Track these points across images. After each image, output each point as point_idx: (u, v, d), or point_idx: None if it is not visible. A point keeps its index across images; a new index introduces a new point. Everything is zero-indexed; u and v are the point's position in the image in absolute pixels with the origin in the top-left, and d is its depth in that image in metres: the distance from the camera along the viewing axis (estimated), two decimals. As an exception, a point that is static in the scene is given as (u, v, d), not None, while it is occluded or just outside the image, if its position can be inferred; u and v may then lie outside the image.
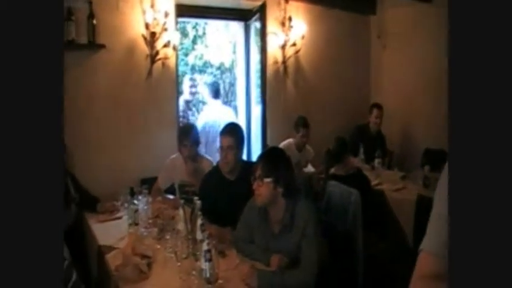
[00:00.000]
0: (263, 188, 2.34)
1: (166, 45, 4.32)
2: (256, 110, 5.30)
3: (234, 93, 6.50)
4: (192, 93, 6.43)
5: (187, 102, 6.27)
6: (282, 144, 4.65)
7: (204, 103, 6.71)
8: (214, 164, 3.37)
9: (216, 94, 5.05)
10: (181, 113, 4.97)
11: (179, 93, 4.74)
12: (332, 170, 3.81)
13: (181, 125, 4.30)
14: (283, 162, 2.44)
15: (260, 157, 2.51)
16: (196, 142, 3.63)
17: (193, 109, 6.67)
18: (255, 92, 5.30)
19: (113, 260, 2.53)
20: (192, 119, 6.36)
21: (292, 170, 2.49)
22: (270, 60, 5.12)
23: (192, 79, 6.58)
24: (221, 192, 2.94)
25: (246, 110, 5.36)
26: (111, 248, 2.72)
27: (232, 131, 3.08)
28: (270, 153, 2.60)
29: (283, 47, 5.12)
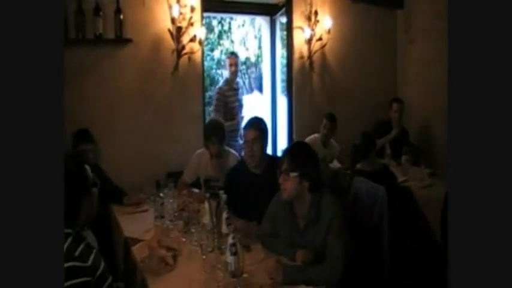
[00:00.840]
0: (289, 183, 2.32)
1: (192, 40, 4.34)
2: (282, 105, 5.27)
3: (259, 88, 6.49)
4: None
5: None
6: (307, 139, 4.62)
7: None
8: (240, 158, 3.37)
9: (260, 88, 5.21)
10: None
11: (205, 87, 4.75)
12: (358, 166, 3.77)
13: (208, 121, 4.30)
14: (309, 156, 2.42)
15: (286, 151, 2.50)
16: (223, 138, 3.63)
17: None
18: (281, 87, 5.28)
19: (139, 251, 2.56)
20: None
21: (318, 164, 2.47)
22: (295, 55, 5.08)
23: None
24: (246, 186, 2.94)
25: (271, 105, 5.34)
26: (137, 240, 2.75)
27: (256, 124, 3.08)
28: (296, 148, 2.58)
29: (309, 41, 5.08)
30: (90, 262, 1.79)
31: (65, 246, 1.75)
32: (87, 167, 1.92)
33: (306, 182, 2.31)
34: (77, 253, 1.76)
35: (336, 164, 4.60)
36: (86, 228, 1.93)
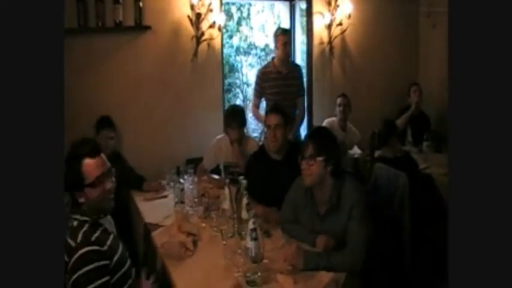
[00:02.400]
0: (314, 167, 2.29)
1: (211, 26, 4.32)
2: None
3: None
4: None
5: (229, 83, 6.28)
6: (325, 122, 4.63)
7: (248, 84, 6.71)
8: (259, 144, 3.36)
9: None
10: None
11: (224, 74, 4.73)
12: (379, 153, 3.72)
13: (228, 106, 4.28)
14: (332, 141, 2.40)
15: (309, 136, 2.47)
16: (243, 124, 3.62)
17: (237, 90, 6.68)
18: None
19: (159, 237, 2.58)
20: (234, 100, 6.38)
21: (339, 149, 2.46)
22: (315, 41, 5.02)
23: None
24: (267, 172, 2.93)
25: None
26: (157, 226, 2.77)
27: (278, 109, 3.08)
28: (319, 132, 2.55)
29: (329, 27, 5.01)
30: (106, 247, 1.80)
31: (81, 232, 1.77)
32: (95, 163, 1.86)
33: (329, 166, 2.29)
34: (93, 238, 1.77)
35: (356, 151, 4.56)
36: (102, 216, 1.92)
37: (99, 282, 1.70)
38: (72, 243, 1.73)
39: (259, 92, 4.32)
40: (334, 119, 4.68)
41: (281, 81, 4.26)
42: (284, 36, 4.25)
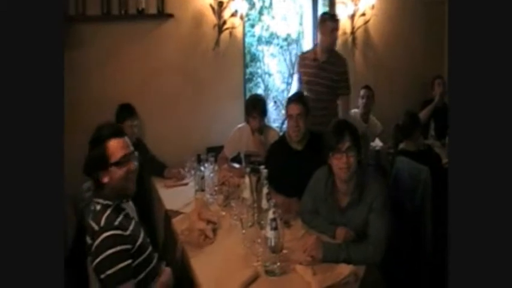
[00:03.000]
0: (352, 160, 2.25)
1: (233, 15, 4.29)
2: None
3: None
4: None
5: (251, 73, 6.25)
6: None
7: (269, 74, 6.67)
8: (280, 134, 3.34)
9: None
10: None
11: (246, 64, 4.71)
12: (401, 146, 3.67)
13: (249, 95, 4.26)
14: (357, 132, 2.37)
15: (341, 129, 2.33)
16: (264, 114, 3.61)
17: (259, 80, 6.65)
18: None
19: (179, 224, 2.60)
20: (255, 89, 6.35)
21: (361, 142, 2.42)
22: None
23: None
24: (287, 162, 2.92)
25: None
26: (177, 213, 2.79)
27: (300, 99, 3.06)
28: (347, 124, 2.50)
29: (352, 17, 4.94)
30: (129, 231, 1.83)
31: (105, 216, 1.80)
32: (121, 143, 1.89)
33: (358, 157, 2.28)
34: (116, 223, 1.80)
35: (377, 143, 4.51)
36: (125, 200, 1.95)
37: (122, 265, 1.73)
38: (96, 227, 1.77)
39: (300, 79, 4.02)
40: (356, 110, 4.63)
41: (315, 69, 3.81)
42: (332, 23, 3.77)
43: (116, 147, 1.86)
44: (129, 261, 1.76)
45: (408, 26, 5.24)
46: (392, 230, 2.22)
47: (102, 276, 1.72)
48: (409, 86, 5.26)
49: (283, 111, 5.00)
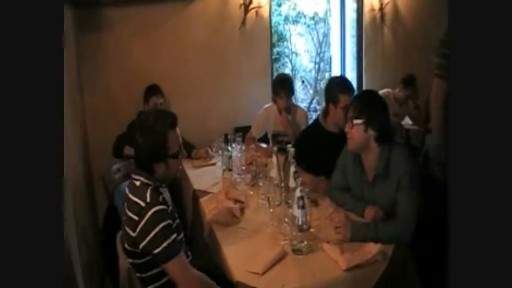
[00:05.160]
0: (354, 131, 2.23)
1: (259, -6, 4.25)
2: (351, 61, 5.09)
3: (328, 43, 6.32)
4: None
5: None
6: (380, 93, 4.46)
7: (297, 54, 6.61)
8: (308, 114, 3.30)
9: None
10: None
11: (273, 43, 4.67)
12: (431, 124, 3.58)
13: (276, 75, 4.23)
14: (376, 104, 2.28)
15: (353, 98, 2.38)
16: (292, 93, 3.58)
17: (286, 59, 6.60)
18: (350, 42, 5.09)
19: (207, 203, 2.62)
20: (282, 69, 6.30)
21: (387, 114, 2.31)
22: (366, 8, 4.86)
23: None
24: (323, 146, 2.79)
25: (341, 61, 5.18)
26: (205, 193, 2.82)
27: (348, 85, 2.87)
28: (363, 95, 2.45)
29: (380, -8, 4.83)
30: (170, 210, 1.85)
31: (148, 193, 1.81)
32: (177, 135, 1.92)
33: (372, 130, 2.20)
34: (160, 199, 1.82)
35: (407, 121, 4.42)
36: (164, 185, 1.97)
37: (174, 237, 1.77)
38: (142, 203, 1.78)
39: None
40: (390, 90, 4.50)
41: None
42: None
43: (174, 139, 1.89)
44: (175, 235, 1.80)
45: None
46: (422, 207, 2.17)
47: (157, 250, 1.74)
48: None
49: (311, 91, 4.98)
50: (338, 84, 2.85)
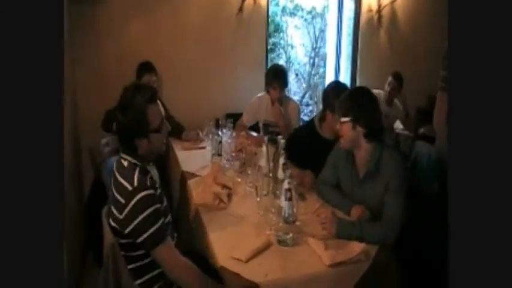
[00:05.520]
0: (343, 129, 2.25)
1: (258, -18, 4.24)
2: (346, 59, 5.10)
3: (324, 39, 6.32)
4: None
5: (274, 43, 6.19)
6: None
7: (292, 46, 6.60)
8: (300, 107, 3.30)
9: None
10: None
11: (269, 33, 4.66)
12: (422, 130, 3.62)
13: (271, 65, 4.22)
14: (364, 101, 2.27)
15: (342, 96, 2.35)
16: (285, 85, 3.57)
17: (281, 51, 6.58)
18: (346, 40, 5.09)
19: (194, 185, 2.61)
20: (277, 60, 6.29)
21: (377, 111, 2.30)
22: (363, 8, 4.88)
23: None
24: (315, 149, 2.72)
25: (335, 59, 5.19)
26: (193, 175, 2.80)
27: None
28: (352, 92, 2.44)
29: (378, -6, 4.84)
30: (158, 192, 1.84)
31: (136, 175, 1.78)
32: (158, 110, 1.87)
33: (360, 127, 2.21)
34: (148, 183, 1.79)
35: (398, 126, 4.46)
36: (151, 164, 1.95)
37: (160, 223, 1.75)
38: (129, 187, 1.75)
39: None
40: (380, 91, 4.54)
41: None
42: None
43: (155, 113, 1.84)
44: (163, 218, 1.78)
45: (437, 5, 5.07)
46: (408, 212, 2.19)
47: (143, 236, 1.72)
48: (433, 69, 5.09)
49: (304, 85, 4.96)
50: (335, 92, 2.79)
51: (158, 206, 1.78)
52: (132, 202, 1.72)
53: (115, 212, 1.78)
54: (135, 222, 1.72)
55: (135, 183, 1.75)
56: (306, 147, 2.79)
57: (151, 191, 1.76)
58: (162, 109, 1.90)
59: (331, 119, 2.78)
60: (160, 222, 1.75)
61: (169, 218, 1.95)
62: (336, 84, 3.04)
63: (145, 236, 1.72)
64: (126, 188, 1.75)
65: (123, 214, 1.74)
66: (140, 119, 1.79)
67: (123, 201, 1.75)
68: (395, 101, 4.58)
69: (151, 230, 1.72)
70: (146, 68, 3.75)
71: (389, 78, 4.51)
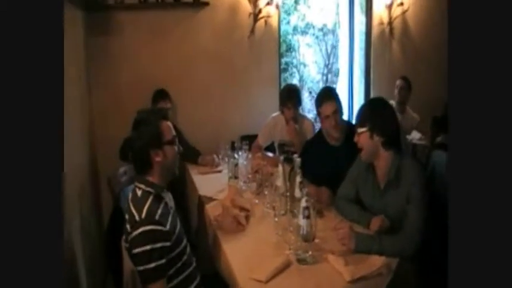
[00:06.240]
0: (361, 139, 2.25)
1: (269, 3, 4.29)
2: (359, 74, 5.10)
3: (336, 55, 6.34)
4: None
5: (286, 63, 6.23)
6: None
7: (305, 65, 6.63)
8: (315, 124, 3.31)
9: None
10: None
11: (281, 53, 4.69)
12: (439, 139, 3.58)
13: (284, 85, 4.25)
14: (380, 109, 2.30)
15: (359, 109, 2.39)
16: (299, 104, 3.59)
17: (294, 70, 6.62)
18: (359, 55, 5.10)
19: (212, 210, 2.62)
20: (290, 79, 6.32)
21: (394, 118, 2.32)
22: (375, 21, 4.88)
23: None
24: (326, 158, 2.87)
25: (348, 73, 5.19)
26: (211, 199, 2.82)
27: (331, 95, 2.97)
28: (368, 102, 2.46)
29: (389, 6, 4.84)
30: (168, 226, 1.83)
31: (146, 206, 1.81)
32: (170, 126, 1.94)
33: (377, 136, 2.21)
34: (157, 217, 1.80)
35: (415, 135, 4.41)
36: (165, 190, 1.98)
37: (156, 264, 1.74)
38: (137, 217, 1.78)
39: None
40: (392, 101, 4.54)
41: None
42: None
43: (167, 128, 1.91)
44: (163, 260, 1.77)
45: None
46: (428, 223, 2.16)
47: (140, 268, 1.74)
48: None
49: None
50: (318, 96, 3.01)
51: (163, 244, 1.77)
52: (136, 232, 1.75)
53: (125, 238, 1.83)
54: (134, 252, 1.74)
55: (143, 215, 1.78)
56: (317, 156, 2.88)
57: (157, 227, 1.77)
58: (172, 128, 1.96)
59: (322, 122, 2.95)
60: (160, 261, 1.74)
61: (185, 242, 1.96)
62: (321, 89, 3.24)
63: (141, 268, 1.74)
64: (134, 217, 1.79)
65: (128, 242, 1.79)
66: (154, 131, 1.87)
67: (129, 229, 1.79)
68: (408, 108, 4.56)
69: (147, 266, 1.73)
70: (161, 95, 3.83)
71: (397, 82, 4.54)
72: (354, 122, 2.48)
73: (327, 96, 2.95)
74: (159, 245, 1.75)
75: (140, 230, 1.74)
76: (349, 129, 2.89)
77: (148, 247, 1.72)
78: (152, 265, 1.72)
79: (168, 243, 1.80)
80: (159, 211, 1.83)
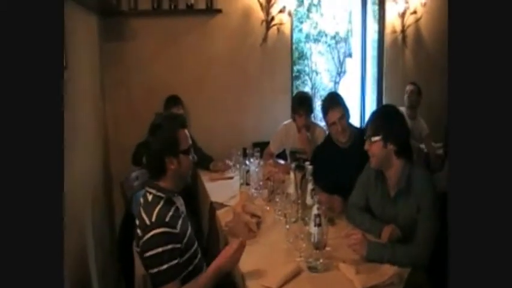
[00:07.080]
0: (373, 148, 2.23)
1: (281, 11, 4.31)
2: (372, 82, 5.09)
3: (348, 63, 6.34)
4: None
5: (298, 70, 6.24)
6: None
7: (317, 72, 6.64)
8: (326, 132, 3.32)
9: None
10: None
11: (293, 61, 4.70)
12: (452, 148, 3.55)
13: (296, 93, 4.26)
14: (393, 117, 2.28)
15: (370, 116, 2.37)
16: (311, 111, 3.60)
17: (306, 77, 6.62)
18: (371, 63, 5.10)
19: (223, 216, 2.62)
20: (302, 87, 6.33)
21: (406, 126, 2.31)
22: (387, 30, 4.89)
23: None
24: (334, 161, 2.88)
25: (361, 81, 5.19)
26: (222, 205, 2.83)
27: (337, 101, 3.00)
28: (380, 110, 2.45)
29: (402, 15, 4.85)
30: (178, 228, 1.85)
31: (156, 210, 1.82)
32: (187, 134, 1.94)
33: (391, 144, 2.19)
34: (167, 219, 1.81)
35: (423, 146, 4.39)
36: (176, 194, 1.99)
37: (168, 265, 1.75)
38: (147, 221, 1.79)
39: None
40: (402, 108, 4.51)
41: None
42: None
43: (185, 136, 1.92)
44: (176, 261, 1.78)
45: (462, 24, 5.07)
46: (441, 232, 2.15)
47: (152, 271, 1.76)
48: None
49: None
50: (323, 104, 3.07)
51: (174, 246, 1.78)
52: (147, 236, 1.76)
53: (136, 243, 1.84)
54: (145, 256, 1.76)
55: (153, 219, 1.79)
56: (327, 161, 2.89)
57: (167, 229, 1.78)
58: (189, 137, 1.96)
59: (329, 128, 3.00)
60: (170, 263, 1.76)
61: (195, 246, 1.97)
62: (327, 95, 3.30)
63: (153, 271, 1.75)
64: (145, 221, 1.80)
65: (139, 246, 1.80)
66: (171, 138, 1.87)
67: (140, 234, 1.80)
68: (419, 117, 4.53)
69: (156, 270, 1.74)
70: (173, 101, 3.86)
71: (407, 87, 4.55)
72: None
73: (332, 102, 2.99)
74: (170, 246, 1.76)
75: (151, 233, 1.75)
76: (357, 132, 2.92)
77: (160, 249, 1.73)
78: (164, 266, 1.73)
79: (178, 245, 1.81)
80: (170, 214, 1.85)
